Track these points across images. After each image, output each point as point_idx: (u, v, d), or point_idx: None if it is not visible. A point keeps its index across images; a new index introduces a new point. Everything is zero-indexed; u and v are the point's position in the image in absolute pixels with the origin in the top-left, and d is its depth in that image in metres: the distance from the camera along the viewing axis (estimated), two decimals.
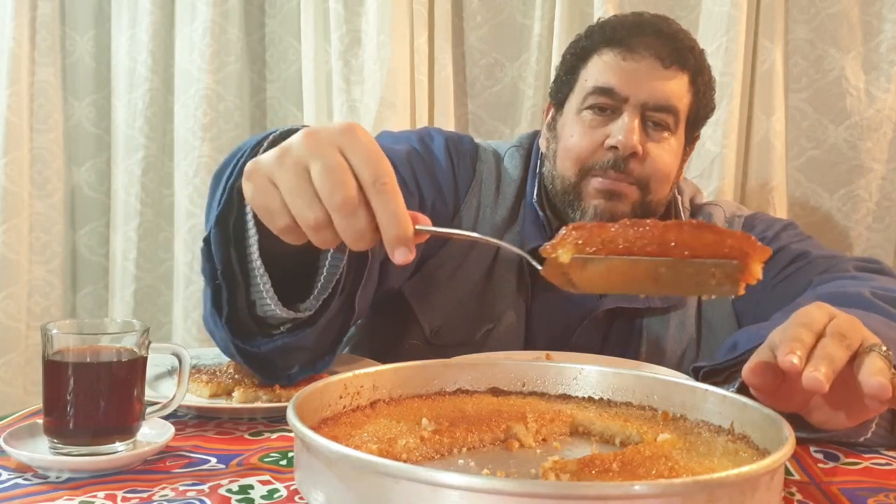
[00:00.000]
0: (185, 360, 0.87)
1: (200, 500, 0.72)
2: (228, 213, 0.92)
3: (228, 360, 1.16)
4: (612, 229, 0.71)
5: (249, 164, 0.78)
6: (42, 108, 2.11)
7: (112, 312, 2.13)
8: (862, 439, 0.90)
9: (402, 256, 0.74)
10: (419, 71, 1.95)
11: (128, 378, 0.82)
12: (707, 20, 1.83)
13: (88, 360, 0.81)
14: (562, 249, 0.72)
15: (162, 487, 0.75)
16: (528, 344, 1.31)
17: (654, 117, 1.26)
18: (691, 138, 1.35)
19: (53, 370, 0.81)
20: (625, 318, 1.33)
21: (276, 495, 0.74)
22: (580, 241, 0.70)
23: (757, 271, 0.70)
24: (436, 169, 1.31)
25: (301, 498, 0.72)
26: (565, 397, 0.93)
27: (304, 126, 0.84)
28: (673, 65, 1.25)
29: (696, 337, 1.35)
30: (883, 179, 1.81)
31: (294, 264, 0.95)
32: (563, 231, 0.73)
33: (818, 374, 0.74)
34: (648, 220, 0.72)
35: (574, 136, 1.28)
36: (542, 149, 1.37)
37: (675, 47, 1.26)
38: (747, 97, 1.84)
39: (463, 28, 1.98)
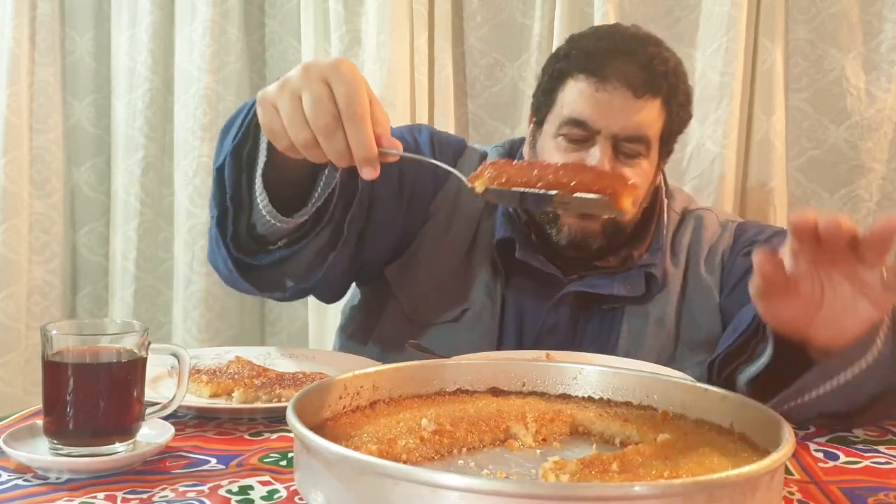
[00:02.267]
0: (184, 361, 0.87)
1: (200, 501, 0.72)
2: (244, 143, 1.07)
3: (228, 360, 1.17)
4: (516, 167, 0.90)
5: (259, 93, 0.97)
6: (42, 108, 2.11)
7: (112, 313, 2.13)
8: (865, 365, 0.89)
9: (368, 174, 0.92)
10: (419, 71, 1.95)
11: (127, 378, 0.82)
12: (707, 20, 1.83)
13: (88, 360, 0.81)
14: (479, 181, 0.91)
15: (162, 488, 0.75)
16: (502, 324, 1.36)
17: (625, 147, 1.30)
18: (665, 152, 1.39)
19: (53, 371, 0.81)
20: (600, 307, 1.36)
21: (275, 496, 0.74)
22: (493, 175, 0.90)
23: (626, 204, 0.88)
24: (418, 152, 1.38)
25: (301, 499, 0.72)
26: (565, 397, 0.93)
27: None
28: (645, 94, 1.28)
29: (675, 333, 1.36)
30: (883, 179, 1.81)
31: (303, 190, 1.11)
32: (481, 167, 0.92)
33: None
34: (544, 162, 0.93)
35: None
36: (525, 158, 1.42)
37: (647, 76, 1.28)
38: (747, 97, 1.84)
39: (463, 28, 1.98)
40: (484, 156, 1.45)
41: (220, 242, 1.14)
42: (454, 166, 1.34)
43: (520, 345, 1.35)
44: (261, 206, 1.08)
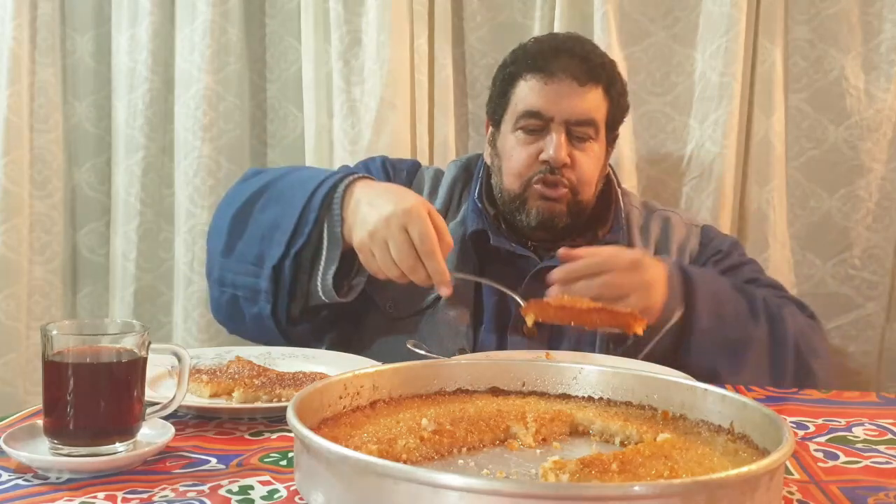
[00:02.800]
0: (185, 360, 0.87)
1: (200, 501, 0.72)
2: (305, 246, 1.33)
3: (228, 360, 1.17)
4: (556, 308, 1.20)
5: (357, 242, 1.28)
6: (42, 108, 2.10)
7: (112, 312, 2.13)
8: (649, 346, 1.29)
9: (444, 293, 1.28)
10: (419, 71, 1.94)
11: (128, 378, 0.82)
12: (707, 20, 1.83)
13: (88, 360, 0.82)
14: (529, 317, 1.22)
15: (162, 488, 0.75)
16: (480, 302, 1.48)
17: (577, 131, 1.46)
18: (611, 139, 1.55)
19: (53, 371, 0.81)
20: None
21: (276, 496, 0.74)
22: (538, 313, 1.22)
23: (638, 330, 1.17)
24: (374, 174, 1.54)
25: (301, 498, 0.72)
26: (565, 397, 0.93)
27: (356, 174, 1.36)
28: (588, 82, 1.45)
29: None
30: (883, 179, 1.81)
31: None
32: (529, 304, 1.22)
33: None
34: (575, 307, 1.20)
35: (513, 155, 1.48)
36: (487, 161, 1.57)
37: (588, 66, 1.45)
38: (747, 97, 1.85)
39: (463, 28, 1.98)
40: (439, 174, 1.60)
41: (272, 322, 1.38)
42: (409, 184, 1.57)
43: (501, 319, 1.46)
44: (323, 295, 1.34)
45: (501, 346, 1.44)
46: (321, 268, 1.33)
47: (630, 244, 1.51)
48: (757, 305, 1.38)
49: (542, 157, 1.45)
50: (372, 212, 1.27)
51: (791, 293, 1.60)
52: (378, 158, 1.64)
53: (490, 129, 1.57)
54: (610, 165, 1.60)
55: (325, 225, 1.32)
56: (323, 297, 1.35)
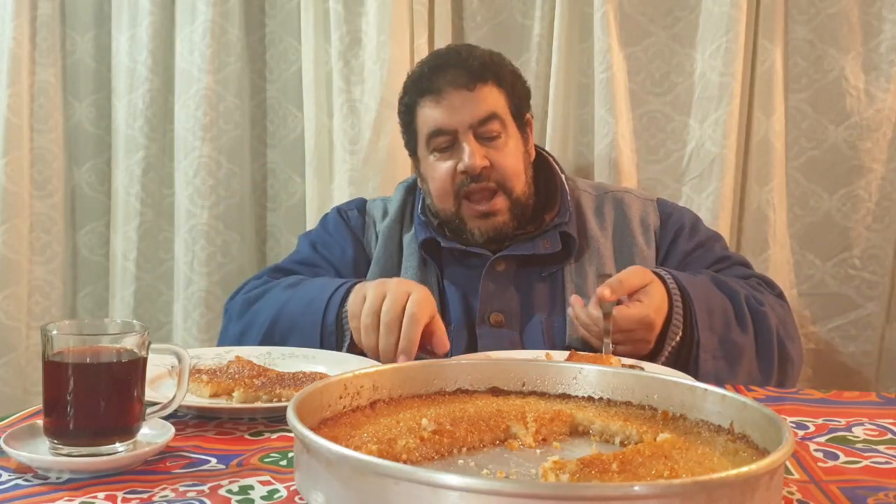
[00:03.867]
0: (185, 360, 0.87)
1: (200, 501, 0.72)
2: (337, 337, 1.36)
3: (228, 360, 1.17)
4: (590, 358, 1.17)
5: (351, 322, 1.31)
6: (42, 109, 2.11)
7: (112, 312, 2.13)
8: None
9: (401, 359, 1.20)
10: None
11: (128, 378, 0.82)
12: (707, 20, 1.83)
13: (88, 360, 0.82)
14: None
15: (162, 488, 0.75)
16: (444, 299, 1.52)
17: (484, 132, 1.48)
18: (523, 125, 1.56)
19: (53, 371, 0.81)
20: (540, 274, 1.52)
21: (276, 496, 0.74)
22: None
23: (609, 363, 1.13)
24: (331, 227, 1.64)
25: (301, 499, 0.72)
26: (565, 397, 0.93)
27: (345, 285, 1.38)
28: (475, 84, 1.48)
29: None
30: (883, 179, 1.81)
31: None
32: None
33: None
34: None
35: (435, 177, 1.52)
36: (421, 188, 1.60)
37: (468, 72, 1.49)
38: (747, 97, 1.85)
39: (463, 28, 1.98)
40: (386, 201, 1.65)
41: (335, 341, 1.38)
42: (362, 216, 1.65)
43: (468, 313, 1.51)
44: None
45: (472, 340, 1.48)
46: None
47: (585, 227, 1.54)
48: (742, 309, 1.40)
49: (460, 167, 1.48)
50: (372, 290, 1.28)
51: (782, 289, 1.59)
52: (331, 212, 1.69)
53: (413, 162, 1.62)
54: (547, 152, 1.64)
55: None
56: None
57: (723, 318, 1.38)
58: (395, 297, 1.23)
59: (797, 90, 1.83)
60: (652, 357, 1.34)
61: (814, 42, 1.81)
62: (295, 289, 1.46)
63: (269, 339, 1.41)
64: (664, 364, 1.33)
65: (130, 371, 0.82)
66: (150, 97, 2.07)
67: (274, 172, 2.11)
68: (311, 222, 1.97)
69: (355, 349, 1.32)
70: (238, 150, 2.05)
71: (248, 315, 1.48)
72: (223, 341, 1.54)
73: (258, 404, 1.00)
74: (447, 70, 1.50)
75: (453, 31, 1.97)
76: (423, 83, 1.52)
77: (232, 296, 1.60)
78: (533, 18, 1.94)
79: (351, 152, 1.95)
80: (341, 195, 1.93)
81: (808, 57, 1.82)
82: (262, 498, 0.74)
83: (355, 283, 1.37)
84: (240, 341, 1.46)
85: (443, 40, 1.94)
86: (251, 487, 0.76)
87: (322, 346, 1.33)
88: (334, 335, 1.34)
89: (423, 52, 1.94)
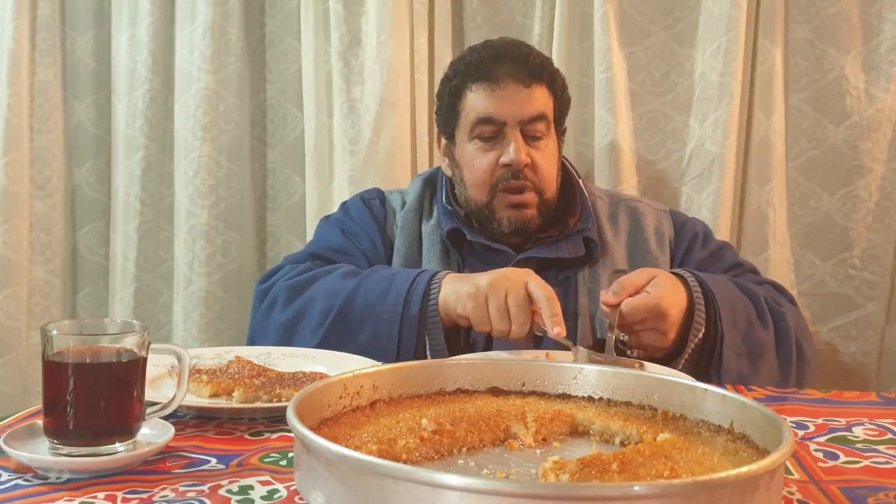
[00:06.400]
0: (185, 360, 0.87)
1: (200, 501, 0.72)
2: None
3: (228, 360, 1.17)
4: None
5: (472, 290, 1.32)
6: (42, 109, 2.10)
7: (112, 312, 2.13)
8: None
9: (559, 332, 1.23)
10: (419, 71, 1.95)
11: (128, 378, 0.82)
12: (707, 20, 1.83)
13: (88, 360, 0.82)
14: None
15: (162, 488, 0.75)
16: None
17: (531, 131, 1.50)
18: (560, 132, 1.60)
19: (53, 371, 0.81)
20: (556, 277, 1.51)
21: (276, 496, 0.74)
22: None
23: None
24: (356, 216, 1.63)
25: (301, 499, 0.72)
26: (565, 397, 0.93)
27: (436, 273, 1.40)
28: (532, 82, 1.50)
29: None
30: (883, 179, 1.81)
31: None
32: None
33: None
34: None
35: (474, 164, 1.52)
36: (448, 174, 1.61)
37: (528, 68, 1.50)
38: (747, 97, 1.85)
39: (463, 28, 1.98)
40: (404, 192, 1.64)
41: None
42: (383, 206, 1.64)
43: None
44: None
45: (488, 337, 1.45)
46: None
47: (600, 233, 1.55)
48: (763, 308, 1.41)
49: (503, 160, 1.49)
50: (486, 276, 1.33)
51: (792, 294, 1.61)
52: (354, 200, 1.68)
53: (443, 141, 1.61)
54: (566, 158, 1.65)
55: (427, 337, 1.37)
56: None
57: (745, 315, 1.38)
58: (521, 296, 1.28)
59: (797, 90, 1.83)
60: (675, 354, 1.35)
61: (814, 42, 1.81)
62: (358, 278, 1.43)
63: (335, 327, 1.39)
64: (688, 362, 1.34)
65: (130, 371, 0.82)
66: (150, 97, 2.07)
67: (274, 172, 2.11)
68: (311, 222, 1.97)
69: (436, 343, 1.35)
70: (238, 150, 2.05)
71: (300, 302, 1.44)
72: (263, 327, 1.49)
73: (258, 404, 1.00)
74: (507, 62, 1.50)
75: (453, 31, 1.97)
76: (480, 69, 1.51)
77: (262, 279, 1.56)
78: (533, 18, 1.94)
79: (351, 152, 1.95)
80: (341, 195, 1.93)
81: (808, 57, 1.82)
82: (262, 498, 0.74)
83: (433, 275, 1.38)
84: (292, 328, 1.43)
85: (443, 40, 1.95)
86: (251, 487, 0.76)
87: (400, 337, 1.35)
88: (415, 328, 1.35)
89: (423, 52, 1.94)
